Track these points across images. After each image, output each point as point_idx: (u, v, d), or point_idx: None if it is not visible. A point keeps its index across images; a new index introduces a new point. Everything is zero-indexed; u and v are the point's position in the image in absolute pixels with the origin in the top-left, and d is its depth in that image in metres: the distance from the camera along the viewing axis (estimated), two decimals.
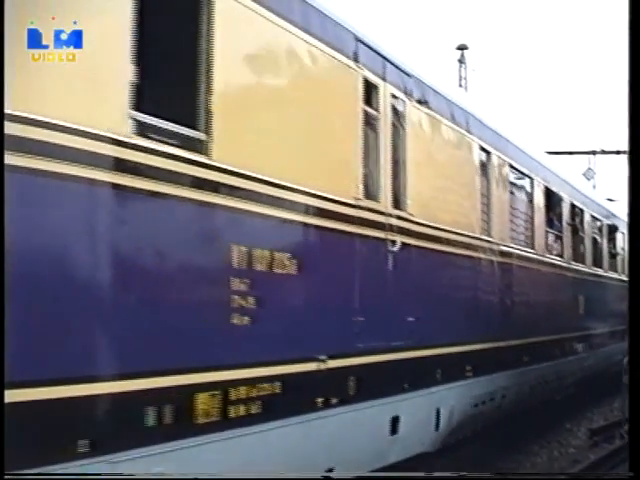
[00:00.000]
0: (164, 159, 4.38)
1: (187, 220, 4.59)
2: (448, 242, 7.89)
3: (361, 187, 6.34)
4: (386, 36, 7.22)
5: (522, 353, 9.99)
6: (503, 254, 9.40)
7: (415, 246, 7.14)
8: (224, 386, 4.79)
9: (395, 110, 6.98)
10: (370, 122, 6.56)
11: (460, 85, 30.91)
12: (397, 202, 6.90)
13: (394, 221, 6.81)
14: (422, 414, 7.40)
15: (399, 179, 6.98)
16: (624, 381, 8.32)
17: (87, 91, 3.98)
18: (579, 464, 10.13)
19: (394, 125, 6.94)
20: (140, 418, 4.20)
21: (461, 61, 31.51)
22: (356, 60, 6.35)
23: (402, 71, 7.15)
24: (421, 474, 6.78)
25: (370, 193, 6.48)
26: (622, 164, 32.01)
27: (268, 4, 5.26)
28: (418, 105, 7.39)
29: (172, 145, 4.45)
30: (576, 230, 12.94)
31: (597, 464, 10.12)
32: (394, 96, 6.96)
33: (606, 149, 31.90)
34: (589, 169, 30.20)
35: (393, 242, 6.77)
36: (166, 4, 4.48)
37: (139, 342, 4.16)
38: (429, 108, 7.62)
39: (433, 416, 7.63)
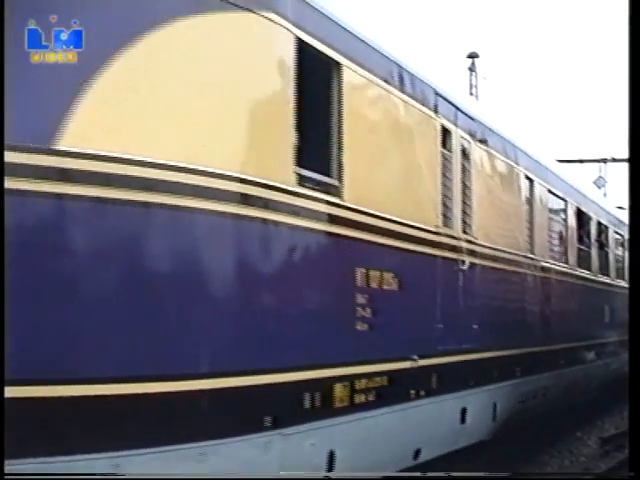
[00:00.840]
0: (313, 202, 5.71)
1: (328, 248, 5.92)
2: (502, 260, 9.23)
3: (440, 217, 7.68)
4: (455, 85, 8.57)
5: (559, 357, 11.32)
6: (543, 269, 10.74)
7: (479, 265, 8.48)
8: (351, 379, 6.12)
9: (463, 150, 8.32)
10: (445, 161, 7.90)
11: (471, 93, 30.87)
12: (465, 228, 8.24)
13: (464, 244, 8.15)
14: (483, 407, 8.72)
15: (466, 208, 8.32)
16: None
17: (267, 153, 5.31)
18: (590, 473, 10.42)
19: (462, 163, 8.28)
20: (300, 401, 5.53)
21: (472, 69, 31.45)
22: (436, 111, 7.69)
23: (468, 116, 8.49)
24: (422, 474, 7.41)
25: (446, 221, 7.82)
26: None
27: (378, 73, 6.61)
28: (480, 144, 8.73)
29: (317, 190, 5.78)
30: (602, 245, 14.28)
31: (608, 473, 10.39)
32: (462, 138, 8.31)
33: (617, 157, 31.93)
34: (600, 177, 30.47)
35: (463, 262, 8.11)
36: (311, 85, 5.78)
37: (303, 343, 5.50)
38: (487, 146, 8.96)
39: (491, 409, 8.94)
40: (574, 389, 12.45)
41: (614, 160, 31.99)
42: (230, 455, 4.93)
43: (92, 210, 4.33)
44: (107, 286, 4.35)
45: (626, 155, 34.12)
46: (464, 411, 8.17)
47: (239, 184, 4.99)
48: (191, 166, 4.66)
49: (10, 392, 3.87)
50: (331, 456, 5.86)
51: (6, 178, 4.08)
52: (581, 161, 30.86)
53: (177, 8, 4.79)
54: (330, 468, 5.85)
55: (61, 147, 4.23)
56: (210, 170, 4.77)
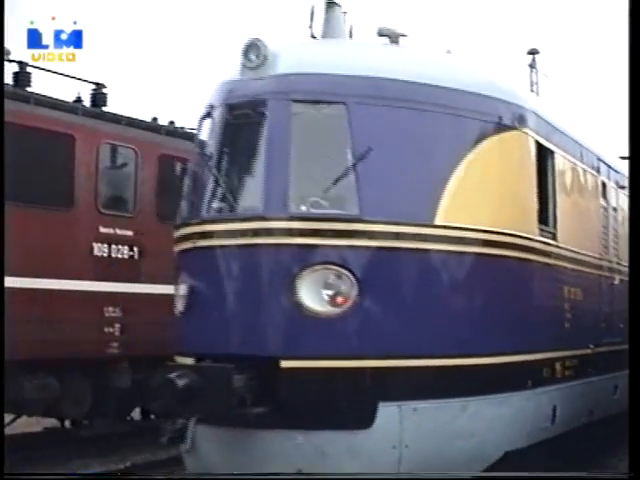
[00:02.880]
0: (546, 245, 8.97)
1: (552, 273, 9.17)
2: None
3: (603, 248, 10.94)
4: (606, 146, 11.88)
5: None
6: None
7: (623, 280, 11.71)
8: (563, 359, 9.39)
9: (613, 197, 11.57)
10: (604, 207, 11.15)
11: (532, 90, 29.86)
12: (616, 255, 11.49)
13: (615, 266, 11.40)
14: (622, 387, 11.93)
15: (616, 241, 11.56)
16: None
17: (528, 218, 8.57)
18: None
19: (613, 206, 11.53)
20: (542, 372, 8.78)
21: (532, 66, 31.58)
22: (598, 172, 10.96)
23: (614, 170, 11.74)
24: (423, 474, 8.52)
25: (605, 250, 11.08)
26: None
27: (571, 152, 9.89)
28: (620, 190, 11.97)
29: (545, 237, 9.04)
30: None
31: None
32: (612, 188, 11.56)
33: None
34: None
35: (614, 278, 11.36)
36: (540, 169, 8.99)
37: (544, 336, 8.76)
38: (625, 190, 12.19)
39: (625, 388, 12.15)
40: None
41: None
42: (513, 403, 8.20)
43: (457, 260, 7.68)
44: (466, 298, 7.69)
45: None
46: (616, 387, 11.40)
47: (517, 239, 8.29)
48: (503, 230, 7.99)
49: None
50: (554, 409, 9.11)
51: (415, 243, 7.40)
52: None
53: (486, 130, 8.07)
54: (553, 418, 9.10)
55: (438, 223, 7.56)
56: (504, 231, 8.09)
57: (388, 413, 7.22)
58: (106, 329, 12.53)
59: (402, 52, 8.23)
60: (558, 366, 9.27)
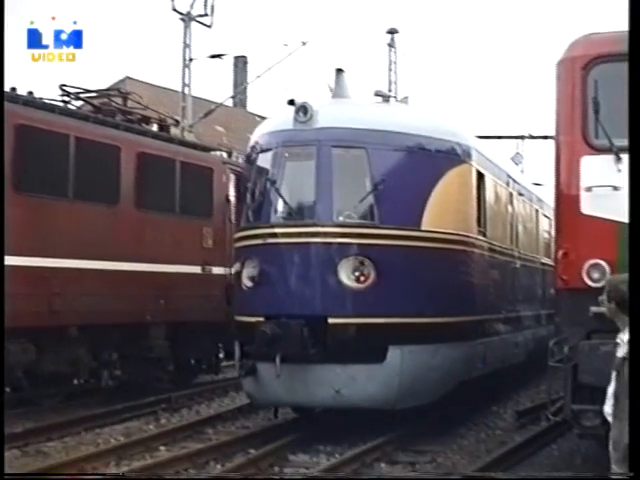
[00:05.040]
0: (482, 241, 13.55)
1: (483, 259, 13.80)
2: (529, 260, 17.35)
3: (509, 240, 15.70)
4: (512, 166, 16.65)
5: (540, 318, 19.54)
6: (542, 264, 18.91)
7: (522, 264, 16.54)
8: (490, 321, 14.03)
9: (516, 202, 16.35)
10: (512, 210, 15.89)
11: (390, 69, 34.14)
12: (517, 245, 16.27)
13: (516, 254, 16.19)
14: (522, 343, 16.68)
15: (517, 234, 16.34)
16: (550, 363, 8.92)
17: (470, 223, 13.13)
18: (506, 446, 11.61)
19: (516, 209, 16.32)
20: (478, 329, 13.37)
21: (391, 45, 34.15)
22: (508, 185, 15.73)
23: (516, 182, 16.54)
24: (423, 475, 9.58)
25: (512, 242, 15.84)
26: (549, 149, 31.42)
27: (494, 174, 14.55)
28: (519, 196, 16.79)
29: (482, 235, 13.62)
30: None
31: (523, 445, 11.69)
32: (515, 196, 16.32)
33: (534, 134, 35.11)
34: (517, 154, 32.49)
35: (516, 263, 16.16)
36: (477, 188, 13.57)
37: (481, 304, 13.35)
38: (524, 197, 17.02)
39: (525, 345, 16.92)
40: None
41: (531, 137, 35.14)
42: (464, 349, 12.68)
43: (434, 252, 12.13)
44: (451, 280, 12.15)
45: (543, 132, 33.79)
46: (516, 344, 16.19)
47: (466, 238, 12.84)
48: (458, 232, 12.52)
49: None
50: (484, 355, 13.71)
51: (410, 241, 11.85)
52: (499, 137, 33.54)
53: (449, 165, 12.57)
54: (484, 361, 13.68)
55: (423, 228, 12.01)
56: (460, 233, 12.62)
57: (394, 353, 11.61)
58: None
59: (398, 110, 12.73)
60: (487, 325, 13.92)
